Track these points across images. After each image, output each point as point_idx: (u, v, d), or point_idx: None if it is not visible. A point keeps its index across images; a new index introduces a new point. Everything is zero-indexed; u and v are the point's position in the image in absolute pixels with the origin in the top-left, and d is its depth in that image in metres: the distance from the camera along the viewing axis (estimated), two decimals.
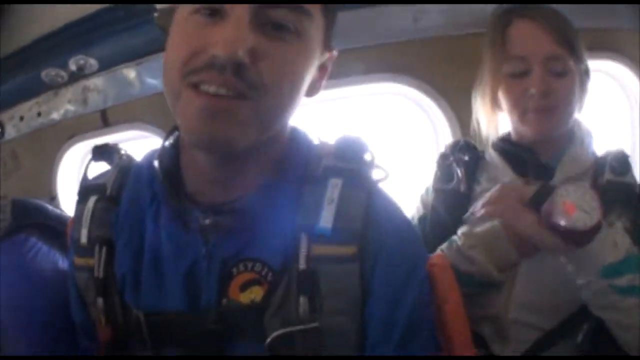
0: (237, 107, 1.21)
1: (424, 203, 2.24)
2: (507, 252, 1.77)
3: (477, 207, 1.80)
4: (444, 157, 2.22)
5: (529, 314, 1.92)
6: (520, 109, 2.00)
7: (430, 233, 2.07)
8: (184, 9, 1.25)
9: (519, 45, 1.97)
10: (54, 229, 1.83)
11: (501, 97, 2.05)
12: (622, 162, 2.01)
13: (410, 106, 2.92)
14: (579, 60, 1.99)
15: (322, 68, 1.43)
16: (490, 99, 2.07)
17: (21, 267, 1.70)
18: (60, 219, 1.88)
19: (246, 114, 1.22)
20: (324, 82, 1.45)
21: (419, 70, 2.76)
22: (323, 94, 1.48)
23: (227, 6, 1.19)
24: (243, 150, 1.28)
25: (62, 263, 1.71)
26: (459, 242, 1.83)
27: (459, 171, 2.14)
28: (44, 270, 1.69)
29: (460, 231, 1.88)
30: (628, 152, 2.07)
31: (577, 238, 1.61)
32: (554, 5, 2.02)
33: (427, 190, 2.24)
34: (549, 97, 1.93)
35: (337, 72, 1.49)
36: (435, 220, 2.15)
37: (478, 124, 2.20)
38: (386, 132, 3.11)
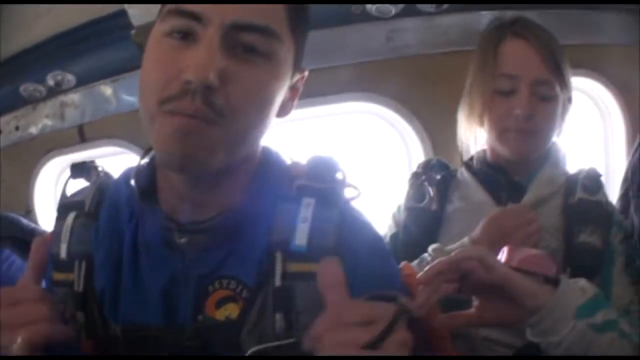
0: (208, 131, 1.22)
1: (395, 221, 2.24)
2: None
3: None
4: (416, 176, 2.25)
5: (499, 332, 1.93)
6: (501, 127, 2.02)
7: (402, 251, 2.07)
8: (157, 30, 1.27)
9: (509, 64, 1.99)
10: (28, 242, 1.85)
11: (484, 113, 2.07)
12: (594, 180, 2.05)
13: (382, 125, 2.94)
14: (565, 87, 2.02)
15: (293, 89, 1.44)
16: (478, 114, 2.09)
17: None
18: (35, 233, 1.90)
19: (216, 138, 1.23)
20: (295, 103, 1.47)
21: (393, 89, 2.79)
22: (296, 112, 1.50)
23: (198, 29, 1.21)
24: (214, 172, 1.30)
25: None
26: (429, 259, 1.87)
27: (430, 190, 2.17)
28: (17, 281, 1.70)
29: (431, 248, 1.93)
30: (601, 169, 2.13)
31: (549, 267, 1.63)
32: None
33: (399, 208, 2.25)
34: (532, 119, 1.96)
35: (310, 91, 1.51)
36: (406, 238, 2.16)
37: (460, 139, 2.22)
38: (359, 151, 3.13)
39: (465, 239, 1.92)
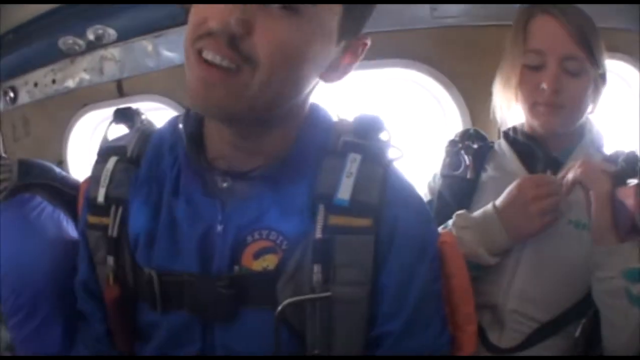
0: (229, 81, 1.22)
1: (430, 189, 2.24)
2: (498, 235, 1.86)
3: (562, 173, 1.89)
4: (452, 144, 2.21)
5: (528, 306, 1.95)
6: (531, 101, 1.99)
7: (435, 218, 1.97)
8: None
9: (537, 40, 1.96)
10: (59, 190, 1.86)
11: (517, 87, 2.03)
12: (632, 165, 1.91)
13: (422, 94, 2.94)
14: (596, 63, 1.97)
15: (348, 54, 1.42)
16: (511, 88, 2.05)
17: (25, 225, 1.73)
18: (66, 181, 1.90)
19: (239, 87, 1.23)
20: (352, 68, 1.45)
21: (434, 59, 2.77)
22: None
23: None
24: (251, 121, 1.32)
25: (66, 223, 1.75)
26: (451, 226, 1.89)
27: (466, 158, 2.15)
28: (47, 229, 1.72)
29: (455, 214, 1.94)
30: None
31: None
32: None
33: (434, 176, 2.24)
34: (559, 94, 1.93)
35: None
36: (440, 206, 2.15)
37: (495, 111, 2.17)
38: (399, 116, 3.11)
39: (489, 206, 1.91)
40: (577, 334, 1.87)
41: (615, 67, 2.70)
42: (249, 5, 1.19)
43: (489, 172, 2.13)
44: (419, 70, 2.76)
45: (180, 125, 1.46)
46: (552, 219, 1.86)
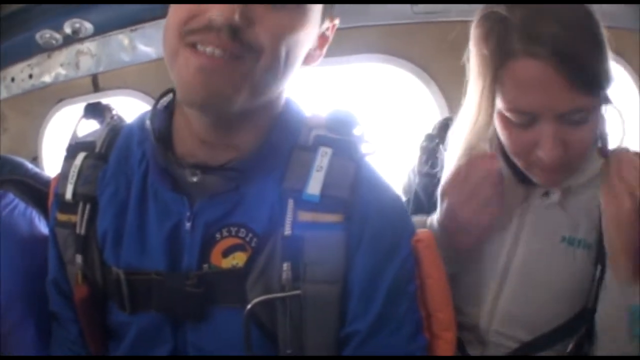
0: (233, 68, 1.22)
1: (405, 188, 2.10)
2: (444, 251, 1.63)
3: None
4: (429, 139, 1.98)
5: (514, 326, 1.81)
6: (524, 162, 1.66)
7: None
8: None
9: (522, 97, 1.52)
10: (31, 186, 1.83)
11: (497, 128, 1.65)
12: None
13: (401, 88, 2.94)
14: (606, 98, 1.59)
15: (322, 37, 1.43)
16: (485, 136, 1.68)
17: None
18: (38, 178, 1.88)
19: (241, 75, 1.24)
20: (323, 52, 1.46)
21: (412, 54, 2.77)
22: (316, 70, 1.49)
23: None
24: (236, 111, 1.29)
25: (38, 221, 1.72)
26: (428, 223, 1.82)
27: (444, 155, 1.87)
28: (19, 227, 1.68)
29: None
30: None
31: None
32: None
33: (409, 174, 2.09)
34: (561, 152, 1.55)
35: (332, 50, 1.49)
36: (416, 206, 1.99)
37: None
38: (376, 112, 3.11)
39: (433, 218, 1.79)
40: (568, 350, 1.77)
41: None
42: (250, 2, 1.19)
43: None
44: (398, 66, 2.76)
45: (148, 122, 1.43)
46: (496, 211, 1.70)
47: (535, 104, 1.51)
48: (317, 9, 1.33)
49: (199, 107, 1.29)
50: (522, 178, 1.73)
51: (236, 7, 1.17)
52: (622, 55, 2.67)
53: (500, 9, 1.53)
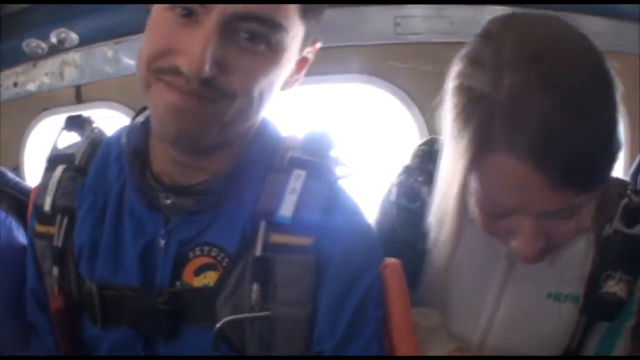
0: (204, 108, 1.23)
1: (384, 212, 1.83)
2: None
3: None
4: (408, 171, 1.77)
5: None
6: (498, 238, 1.50)
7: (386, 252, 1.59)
8: (160, 5, 1.24)
9: (498, 192, 1.35)
10: (12, 196, 1.83)
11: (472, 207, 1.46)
12: (636, 207, 1.57)
13: (381, 110, 2.93)
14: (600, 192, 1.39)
15: (301, 60, 1.43)
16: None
17: None
18: (18, 187, 1.88)
19: (212, 116, 1.24)
20: (302, 74, 1.47)
21: (393, 75, 2.76)
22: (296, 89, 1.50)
23: (200, 11, 1.19)
24: (207, 146, 1.31)
25: (17, 231, 1.71)
26: None
27: (425, 189, 1.67)
28: None
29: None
30: None
31: None
32: None
33: (384, 209, 1.84)
34: (542, 244, 1.39)
35: (311, 70, 1.50)
36: (392, 238, 1.72)
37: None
38: (356, 133, 3.11)
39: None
40: None
41: None
42: (220, 44, 1.18)
43: None
44: (379, 87, 2.76)
45: (123, 139, 1.45)
46: None
47: (511, 203, 1.34)
48: (294, 47, 1.33)
49: (170, 143, 1.31)
50: None
51: (206, 60, 1.16)
52: None
53: (483, 82, 1.28)
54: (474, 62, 1.33)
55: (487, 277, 1.67)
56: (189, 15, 1.19)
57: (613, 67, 1.30)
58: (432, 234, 1.55)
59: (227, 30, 1.19)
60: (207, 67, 1.16)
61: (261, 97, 1.28)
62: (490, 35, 1.34)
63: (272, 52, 1.25)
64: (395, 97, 2.75)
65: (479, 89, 1.28)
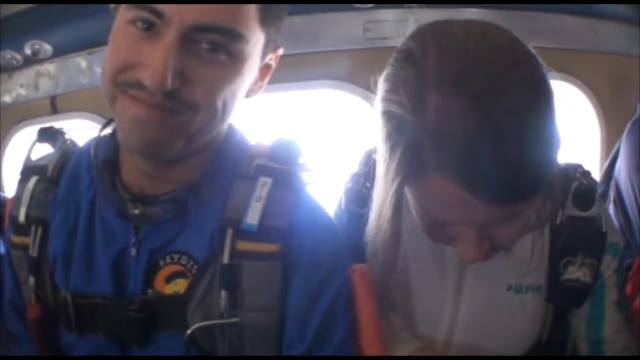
0: (169, 120, 1.26)
1: (338, 219, 1.73)
2: None
3: None
4: (355, 179, 1.77)
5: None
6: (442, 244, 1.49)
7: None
8: (121, 18, 1.27)
9: (435, 209, 1.34)
10: None
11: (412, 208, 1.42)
12: (588, 190, 1.61)
13: (354, 115, 2.94)
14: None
15: (264, 68, 1.45)
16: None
17: None
18: None
19: (177, 127, 1.27)
20: (265, 81, 1.48)
21: (364, 80, 2.71)
22: (265, 97, 1.51)
23: (160, 25, 1.20)
24: (173, 157, 1.33)
25: None
26: None
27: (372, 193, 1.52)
28: None
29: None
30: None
31: None
32: None
33: (338, 217, 1.75)
34: (487, 247, 1.37)
35: (282, 77, 1.51)
36: (351, 243, 1.60)
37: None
38: (327, 139, 3.13)
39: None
40: None
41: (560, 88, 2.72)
42: (181, 56, 1.20)
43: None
44: (350, 92, 2.76)
45: (92, 151, 1.47)
46: None
47: (451, 218, 1.33)
48: (255, 55, 1.35)
49: (136, 154, 1.34)
50: None
51: (167, 74, 1.19)
52: (579, 76, 2.72)
53: (408, 105, 1.22)
54: (397, 87, 1.27)
55: (442, 277, 1.67)
56: (149, 28, 1.21)
57: (547, 69, 1.26)
58: (369, 244, 1.47)
59: (187, 41, 1.21)
60: (169, 80, 1.19)
61: (225, 107, 1.30)
62: (410, 55, 1.28)
63: (233, 61, 1.28)
64: (366, 102, 2.73)
65: (404, 116, 1.23)
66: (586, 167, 1.64)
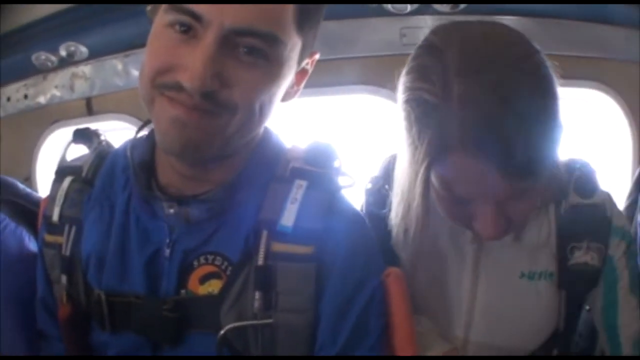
0: (207, 122, 1.26)
1: None
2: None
3: None
4: (374, 181, 1.86)
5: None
6: (461, 224, 1.58)
7: None
8: (159, 21, 1.27)
9: (458, 185, 1.44)
10: (22, 206, 1.86)
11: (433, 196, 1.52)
12: (588, 178, 1.71)
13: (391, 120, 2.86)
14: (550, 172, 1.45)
15: (300, 72, 1.46)
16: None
17: None
18: (29, 198, 1.90)
19: (215, 128, 1.27)
20: (302, 86, 1.49)
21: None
22: (302, 101, 1.51)
23: (199, 28, 1.21)
24: (211, 158, 1.34)
25: (28, 241, 1.74)
26: None
27: (391, 195, 1.69)
28: (9, 246, 1.71)
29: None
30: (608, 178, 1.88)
31: None
32: None
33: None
34: (502, 225, 1.48)
35: (319, 81, 1.51)
36: None
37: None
38: (364, 144, 3.10)
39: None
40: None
41: (595, 97, 2.71)
42: (220, 58, 1.20)
43: None
44: (385, 98, 2.75)
45: (128, 152, 1.48)
46: None
47: (472, 193, 1.44)
48: (293, 59, 1.35)
49: (175, 156, 1.34)
50: None
51: (207, 75, 1.19)
52: (614, 87, 2.68)
53: (433, 92, 1.36)
54: (422, 75, 1.40)
55: (459, 271, 1.75)
56: (187, 31, 1.22)
57: (550, 65, 1.39)
58: (395, 233, 1.65)
59: (225, 44, 1.21)
60: (208, 82, 1.19)
61: (262, 109, 1.31)
62: (434, 48, 1.42)
63: (271, 65, 1.28)
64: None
65: (431, 101, 1.36)
66: (613, 173, 1.82)
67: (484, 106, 1.32)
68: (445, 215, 1.55)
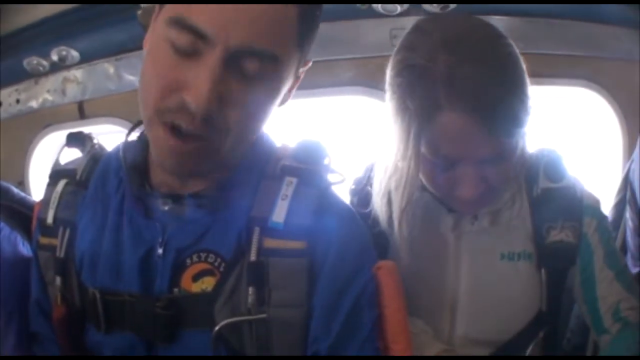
0: (202, 148, 1.29)
1: None
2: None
3: None
4: (357, 182, 1.95)
5: (474, 346, 1.84)
6: (445, 195, 1.71)
7: None
8: (161, 31, 1.27)
9: (446, 146, 1.54)
10: (17, 211, 1.86)
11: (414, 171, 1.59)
12: (556, 164, 1.83)
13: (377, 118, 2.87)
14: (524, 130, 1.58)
15: (295, 80, 1.47)
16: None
17: None
18: (24, 202, 1.91)
19: (211, 152, 1.31)
20: (294, 91, 1.50)
21: None
22: (294, 102, 1.52)
23: (203, 47, 1.22)
24: (206, 172, 1.39)
25: (22, 246, 1.75)
26: None
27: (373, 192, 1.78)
28: (3, 251, 1.72)
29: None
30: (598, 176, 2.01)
31: None
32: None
33: None
34: (482, 188, 1.60)
35: (310, 83, 1.52)
36: None
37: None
38: (356, 144, 3.11)
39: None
40: (527, 353, 1.82)
41: (583, 95, 2.72)
42: (224, 79, 1.22)
43: None
44: (376, 98, 2.76)
45: (120, 154, 1.49)
46: None
47: (458, 152, 1.55)
48: (290, 73, 1.37)
49: (170, 174, 1.39)
50: (449, 207, 1.80)
51: (212, 97, 1.21)
52: (604, 85, 2.69)
53: (423, 59, 1.50)
54: (411, 49, 1.57)
55: (442, 257, 1.83)
56: (190, 48, 1.23)
57: (514, 47, 1.56)
58: (380, 211, 1.74)
59: (229, 65, 1.22)
60: (213, 102, 1.21)
61: (257, 124, 1.37)
62: (420, 29, 1.61)
63: (272, 83, 1.32)
64: None
65: (419, 65, 1.51)
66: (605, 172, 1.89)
67: (469, 68, 1.47)
68: (430, 185, 1.68)
